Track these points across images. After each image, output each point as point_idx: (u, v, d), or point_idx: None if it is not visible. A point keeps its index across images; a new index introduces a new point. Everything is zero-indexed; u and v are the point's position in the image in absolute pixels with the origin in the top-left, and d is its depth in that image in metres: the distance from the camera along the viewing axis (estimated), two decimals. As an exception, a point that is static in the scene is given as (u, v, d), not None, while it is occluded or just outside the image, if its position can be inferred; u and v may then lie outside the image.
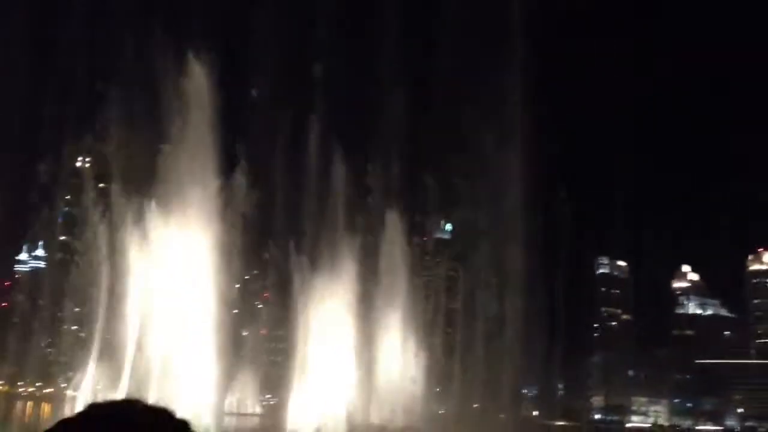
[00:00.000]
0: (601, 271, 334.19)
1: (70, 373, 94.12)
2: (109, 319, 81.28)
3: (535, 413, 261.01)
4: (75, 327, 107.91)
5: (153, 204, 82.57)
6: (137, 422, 1.69)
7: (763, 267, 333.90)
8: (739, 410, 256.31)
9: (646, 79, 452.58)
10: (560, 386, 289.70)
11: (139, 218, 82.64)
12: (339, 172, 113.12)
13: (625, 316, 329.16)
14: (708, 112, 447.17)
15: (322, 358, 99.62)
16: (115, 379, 77.45)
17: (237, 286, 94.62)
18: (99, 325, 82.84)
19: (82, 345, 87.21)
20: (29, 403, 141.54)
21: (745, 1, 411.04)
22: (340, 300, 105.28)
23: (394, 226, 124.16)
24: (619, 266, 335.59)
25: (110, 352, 79.85)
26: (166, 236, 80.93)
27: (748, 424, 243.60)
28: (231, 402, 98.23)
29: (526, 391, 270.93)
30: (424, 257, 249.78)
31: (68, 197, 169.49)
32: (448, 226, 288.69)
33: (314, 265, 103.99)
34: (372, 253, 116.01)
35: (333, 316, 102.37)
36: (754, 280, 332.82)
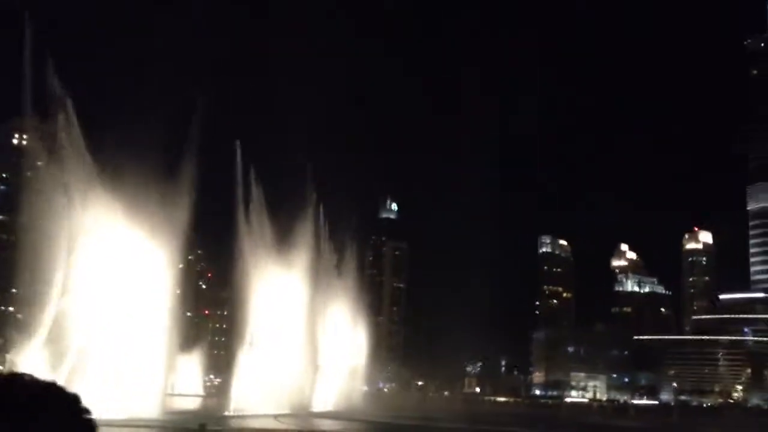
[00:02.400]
0: (543, 249, 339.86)
1: (8, 355, 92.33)
2: (49, 300, 79.90)
3: (477, 389, 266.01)
4: (11, 308, 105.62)
5: (95, 184, 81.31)
6: (20, 395, 1.54)
7: (698, 246, 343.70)
8: (674, 384, 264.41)
9: (582, 67, 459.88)
10: (503, 363, 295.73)
11: (81, 199, 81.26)
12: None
13: (566, 294, 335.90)
14: (645, 96, 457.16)
15: (266, 339, 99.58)
16: (55, 362, 76.34)
17: (180, 266, 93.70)
18: (38, 307, 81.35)
19: (19, 327, 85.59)
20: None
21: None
22: (284, 280, 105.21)
23: (339, 206, 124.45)
24: (561, 245, 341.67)
25: (50, 334, 78.59)
26: (106, 217, 79.86)
27: (682, 398, 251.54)
28: (174, 383, 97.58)
29: (470, 368, 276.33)
30: (371, 237, 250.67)
31: (5, 175, 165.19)
32: (395, 206, 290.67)
33: (259, 244, 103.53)
34: (316, 233, 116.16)
35: (277, 296, 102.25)
36: (690, 259, 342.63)
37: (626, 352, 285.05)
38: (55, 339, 77.75)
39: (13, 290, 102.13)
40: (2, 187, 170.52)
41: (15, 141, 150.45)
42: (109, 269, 78.12)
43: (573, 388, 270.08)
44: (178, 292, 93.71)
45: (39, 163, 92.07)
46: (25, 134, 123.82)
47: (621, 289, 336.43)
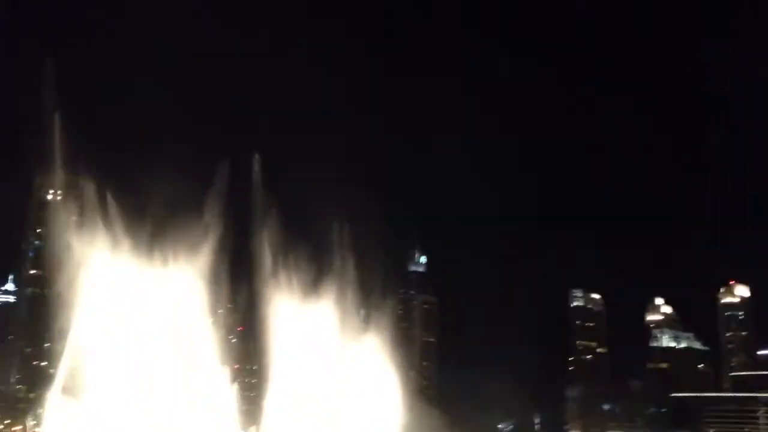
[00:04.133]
0: (575, 303, 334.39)
1: (39, 410, 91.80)
2: (79, 354, 79.61)
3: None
4: (45, 363, 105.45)
5: (124, 239, 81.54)
6: None
7: (735, 299, 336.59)
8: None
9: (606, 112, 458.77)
10: (537, 421, 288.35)
11: (111, 253, 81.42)
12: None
13: (600, 349, 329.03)
14: (680, 153, 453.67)
15: (296, 394, 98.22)
16: (82, 416, 75.72)
17: (211, 320, 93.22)
18: (69, 361, 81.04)
19: (51, 381, 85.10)
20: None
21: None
22: (316, 335, 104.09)
23: (369, 261, 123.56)
24: (593, 299, 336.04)
25: (78, 388, 78.07)
26: (136, 273, 79.83)
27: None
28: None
29: (502, 426, 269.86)
30: (400, 290, 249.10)
31: (39, 230, 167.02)
32: (423, 259, 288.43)
33: (291, 298, 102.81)
34: (347, 287, 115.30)
35: (308, 351, 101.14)
36: (726, 313, 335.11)
37: (663, 410, 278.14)
38: (79, 394, 77.01)
39: (46, 344, 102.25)
40: (36, 242, 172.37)
41: (49, 196, 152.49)
42: (138, 323, 77.83)
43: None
44: (207, 346, 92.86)
45: (72, 218, 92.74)
46: (57, 190, 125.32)
47: (656, 344, 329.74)
